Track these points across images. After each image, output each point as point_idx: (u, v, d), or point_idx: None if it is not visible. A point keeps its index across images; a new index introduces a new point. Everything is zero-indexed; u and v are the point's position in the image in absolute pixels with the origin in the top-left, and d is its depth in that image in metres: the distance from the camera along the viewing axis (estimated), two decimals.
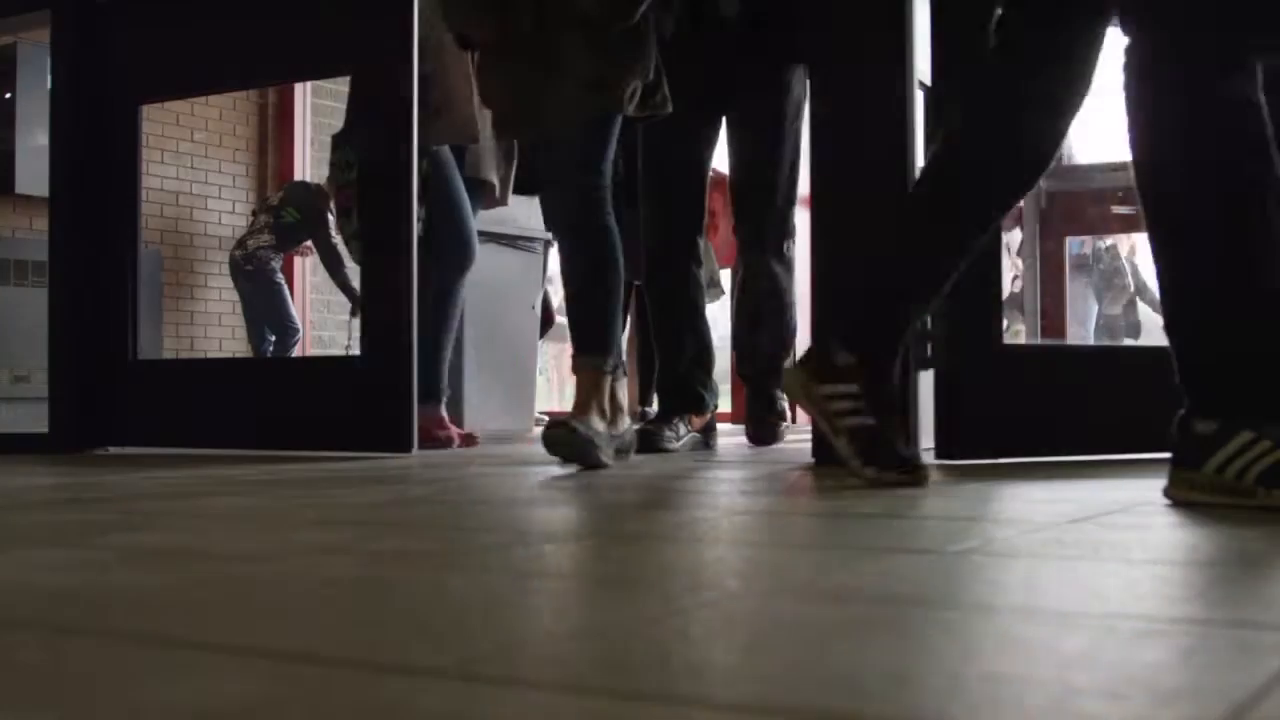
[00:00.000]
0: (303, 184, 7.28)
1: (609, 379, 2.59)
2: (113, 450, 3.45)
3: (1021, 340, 5.45)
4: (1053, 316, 4.80)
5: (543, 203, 3.35)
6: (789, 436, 3.64)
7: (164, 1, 3.54)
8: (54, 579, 1.09)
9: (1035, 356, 2.98)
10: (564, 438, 2.41)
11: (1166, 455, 1.64)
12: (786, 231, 3.43)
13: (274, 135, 8.16)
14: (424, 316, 3.69)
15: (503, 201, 3.90)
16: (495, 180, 3.80)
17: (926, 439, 2.54)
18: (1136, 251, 7.37)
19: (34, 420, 3.75)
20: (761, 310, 3.42)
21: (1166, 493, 1.62)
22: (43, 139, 3.71)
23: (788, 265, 3.44)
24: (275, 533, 1.44)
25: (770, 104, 3.32)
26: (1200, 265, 1.62)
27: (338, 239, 6.89)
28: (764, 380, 3.49)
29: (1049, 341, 4.71)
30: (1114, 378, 2.65)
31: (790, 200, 3.40)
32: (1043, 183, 4.65)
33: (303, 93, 8.03)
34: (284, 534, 1.43)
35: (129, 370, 3.52)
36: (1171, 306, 1.65)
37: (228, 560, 1.20)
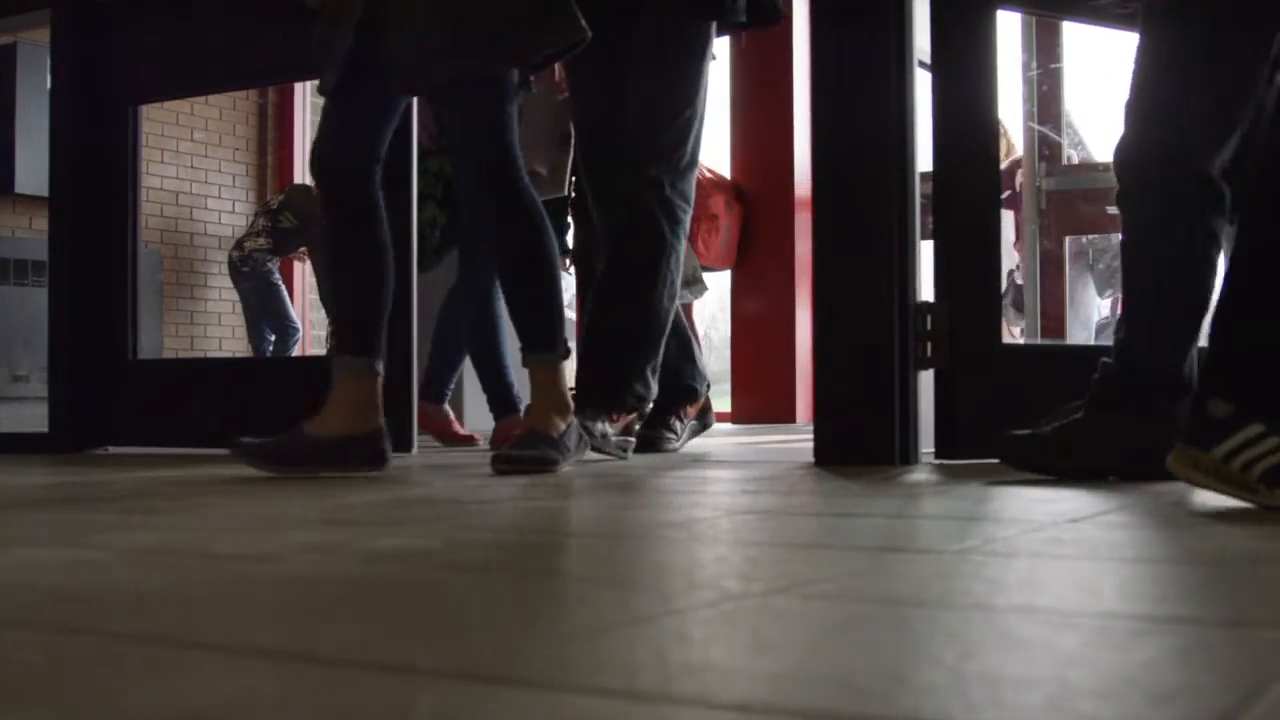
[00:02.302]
0: (304, 188, 7.27)
1: (564, 366, 2.49)
2: (112, 450, 3.45)
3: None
4: (1052, 316, 4.80)
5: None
6: (700, 442, 3.32)
7: (164, 1, 3.54)
8: (54, 579, 1.09)
9: (1035, 356, 2.98)
10: (510, 469, 2.31)
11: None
12: (675, 183, 2.83)
13: (274, 135, 8.17)
14: (458, 321, 3.71)
15: (558, 188, 3.60)
16: (543, 170, 3.65)
17: (926, 439, 2.54)
18: None
19: (34, 420, 3.75)
20: (628, 253, 2.85)
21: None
22: (42, 139, 3.71)
23: (673, 219, 2.84)
24: (275, 533, 1.45)
25: (677, 51, 2.85)
26: (1261, 252, 1.61)
27: None
28: (619, 355, 2.88)
29: (1049, 341, 4.72)
30: None
31: (683, 139, 2.84)
32: (1043, 183, 4.65)
33: (303, 93, 8.03)
34: (284, 534, 1.43)
35: (129, 370, 3.52)
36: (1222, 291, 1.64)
37: (228, 560, 1.21)
